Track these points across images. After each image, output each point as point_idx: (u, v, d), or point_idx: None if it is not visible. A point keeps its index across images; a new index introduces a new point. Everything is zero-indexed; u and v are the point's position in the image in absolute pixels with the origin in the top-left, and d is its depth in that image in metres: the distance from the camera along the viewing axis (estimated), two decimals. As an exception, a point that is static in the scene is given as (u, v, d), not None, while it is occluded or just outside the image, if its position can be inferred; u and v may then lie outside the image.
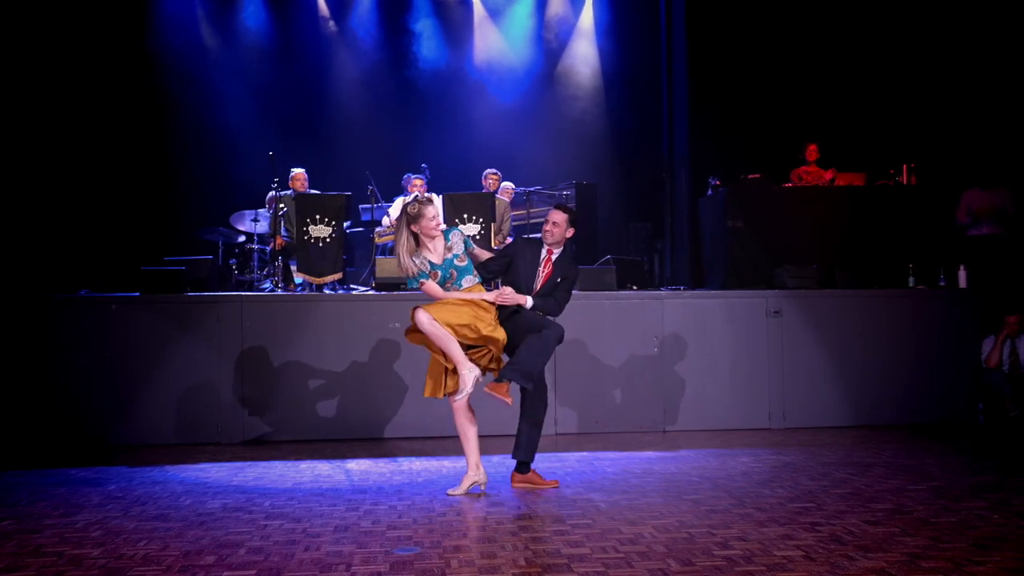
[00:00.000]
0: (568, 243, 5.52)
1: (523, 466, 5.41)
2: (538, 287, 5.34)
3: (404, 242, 5.13)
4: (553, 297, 5.35)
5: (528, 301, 5.26)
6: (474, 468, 5.26)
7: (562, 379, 7.28)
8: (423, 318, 4.96)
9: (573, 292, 5.53)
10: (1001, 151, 9.20)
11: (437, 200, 9.19)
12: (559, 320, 5.45)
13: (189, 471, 6.04)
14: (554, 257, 5.41)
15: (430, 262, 5.15)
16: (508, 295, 5.21)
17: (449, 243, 5.18)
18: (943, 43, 9.94)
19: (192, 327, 7.08)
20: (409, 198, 9.12)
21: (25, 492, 5.45)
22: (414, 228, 5.13)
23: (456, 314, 5.01)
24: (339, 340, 7.19)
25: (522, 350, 5.13)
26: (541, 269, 5.38)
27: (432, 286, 5.15)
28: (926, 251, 8.52)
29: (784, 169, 9.47)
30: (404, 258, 5.12)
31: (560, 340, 5.24)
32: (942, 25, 9.92)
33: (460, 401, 5.11)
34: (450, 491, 5.26)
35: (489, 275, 5.46)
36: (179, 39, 11.01)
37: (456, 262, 5.17)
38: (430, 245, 5.16)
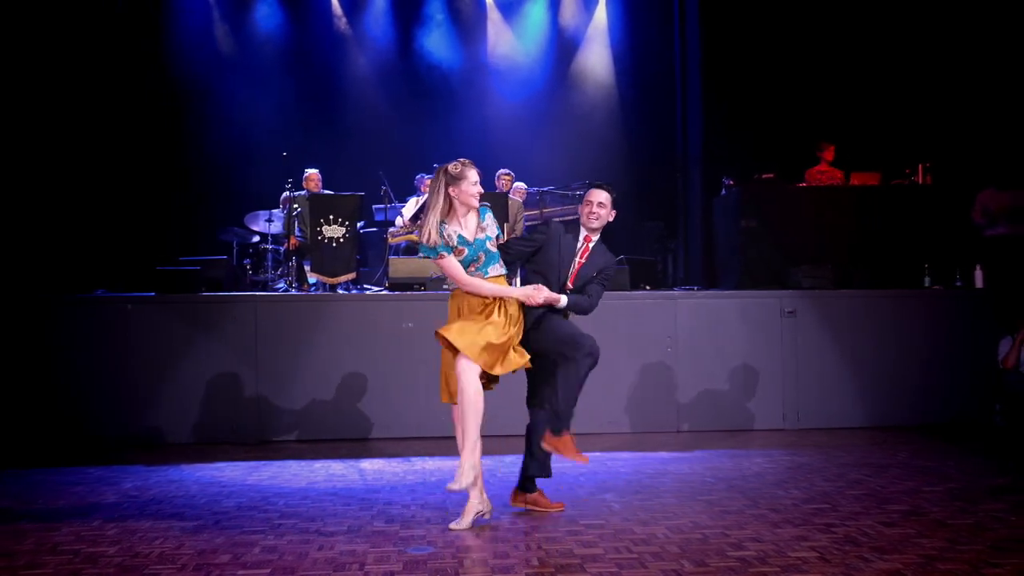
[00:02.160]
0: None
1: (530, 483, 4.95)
2: (572, 279, 4.78)
3: (438, 205, 4.52)
4: (586, 293, 4.78)
5: (562, 300, 4.68)
6: (477, 496, 4.59)
7: (575, 379, 7.26)
8: (468, 381, 4.38)
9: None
10: (1017, 151, 9.14)
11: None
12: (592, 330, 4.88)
13: (204, 470, 6.08)
14: (592, 244, 4.85)
15: (460, 236, 4.55)
16: (543, 295, 4.61)
17: (484, 223, 4.60)
18: (958, 42, 9.89)
19: (207, 327, 7.12)
20: (422, 198, 9.23)
21: (42, 490, 5.50)
22: (452, 191, 4.54)
23: (483, 338, 4.41)
24: (353, 340, 7.22)
25: (559, 390, 4.58)
26: (577, 258, 4.81)
27: (452, 264, 4.52)
28: (942, 251, 8.49)
29: (798, 169, 9.44)
30: (432, 221, 4.50)
31: (594, 364, 4.68)
32: (957, 24, 9.86)
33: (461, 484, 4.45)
34: (453, 526, 4.55)
35: (509, 257, 4.80)
36: (194, 40, 11.10)
37: (488, 245, 4.59)
38: (462, 219, 4.57)
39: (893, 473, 5.79)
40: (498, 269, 4.65)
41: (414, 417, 7.16)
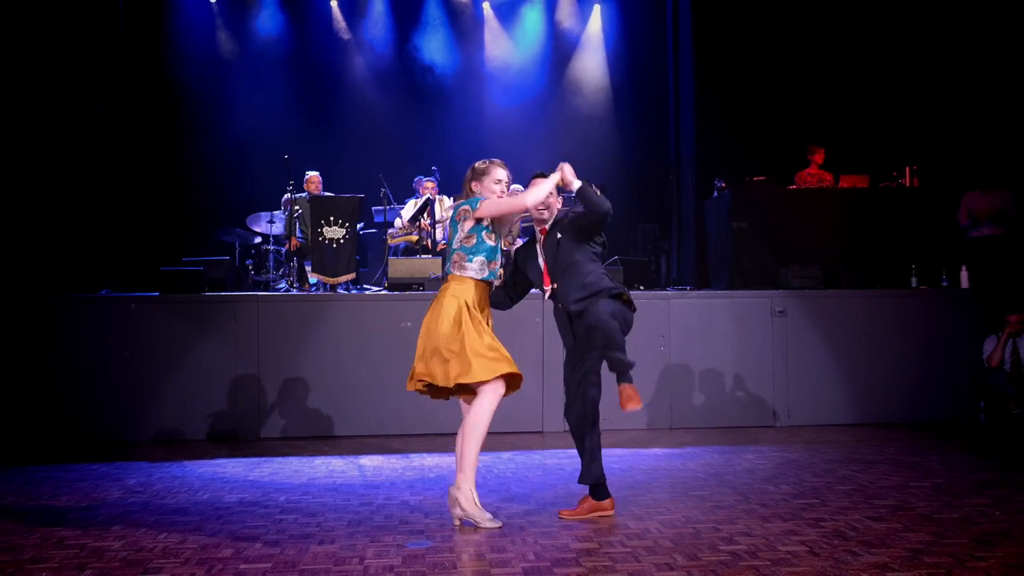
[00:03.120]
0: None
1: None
2: (545, 267, 4.67)
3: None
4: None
5: (574, 184, 4.63)
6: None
7: (570, 378, 7.35)
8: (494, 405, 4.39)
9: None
10: (1002, 154, 9.26)
11: (447, 202, 9.33)
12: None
13: (207, 466, 6.17)
14: (546, 233, 4.70)
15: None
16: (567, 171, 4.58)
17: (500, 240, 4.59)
18: (945, 46, 10.00)
19: (209, 326, 7.20)
20: (420, 200, 9.33)
21: (48, 486, 5.58)
22: (474, 187, 4.51)
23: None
24: (352, 339, 7.31)
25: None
26: (540, 250, 4.71)
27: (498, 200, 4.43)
28: (928, 252, 8.59)
29: (789, 171, 9.55)
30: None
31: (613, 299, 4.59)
32: (944, 28, 9.97)
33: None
34: (488, 524, 4.49)
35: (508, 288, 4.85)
36: (197, 44, 11.17)
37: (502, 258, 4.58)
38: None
39: (881, 469, 5.89)
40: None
41: (413, 414, 7.25)
